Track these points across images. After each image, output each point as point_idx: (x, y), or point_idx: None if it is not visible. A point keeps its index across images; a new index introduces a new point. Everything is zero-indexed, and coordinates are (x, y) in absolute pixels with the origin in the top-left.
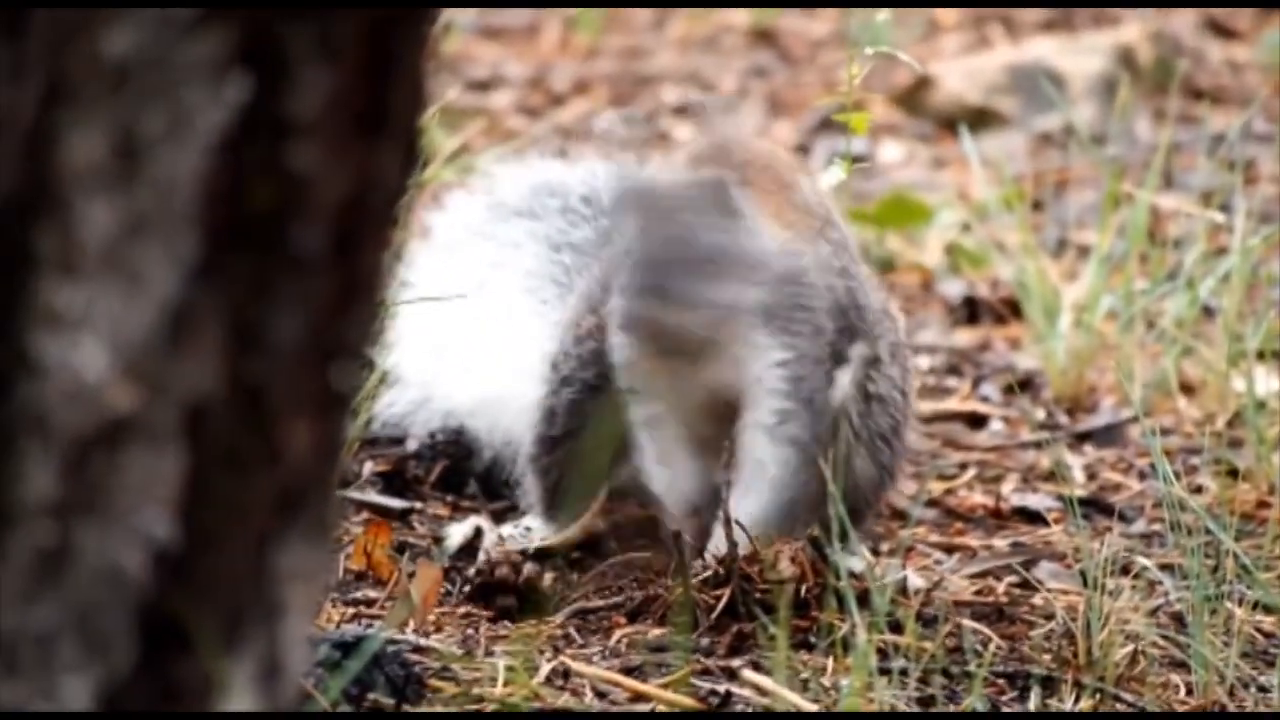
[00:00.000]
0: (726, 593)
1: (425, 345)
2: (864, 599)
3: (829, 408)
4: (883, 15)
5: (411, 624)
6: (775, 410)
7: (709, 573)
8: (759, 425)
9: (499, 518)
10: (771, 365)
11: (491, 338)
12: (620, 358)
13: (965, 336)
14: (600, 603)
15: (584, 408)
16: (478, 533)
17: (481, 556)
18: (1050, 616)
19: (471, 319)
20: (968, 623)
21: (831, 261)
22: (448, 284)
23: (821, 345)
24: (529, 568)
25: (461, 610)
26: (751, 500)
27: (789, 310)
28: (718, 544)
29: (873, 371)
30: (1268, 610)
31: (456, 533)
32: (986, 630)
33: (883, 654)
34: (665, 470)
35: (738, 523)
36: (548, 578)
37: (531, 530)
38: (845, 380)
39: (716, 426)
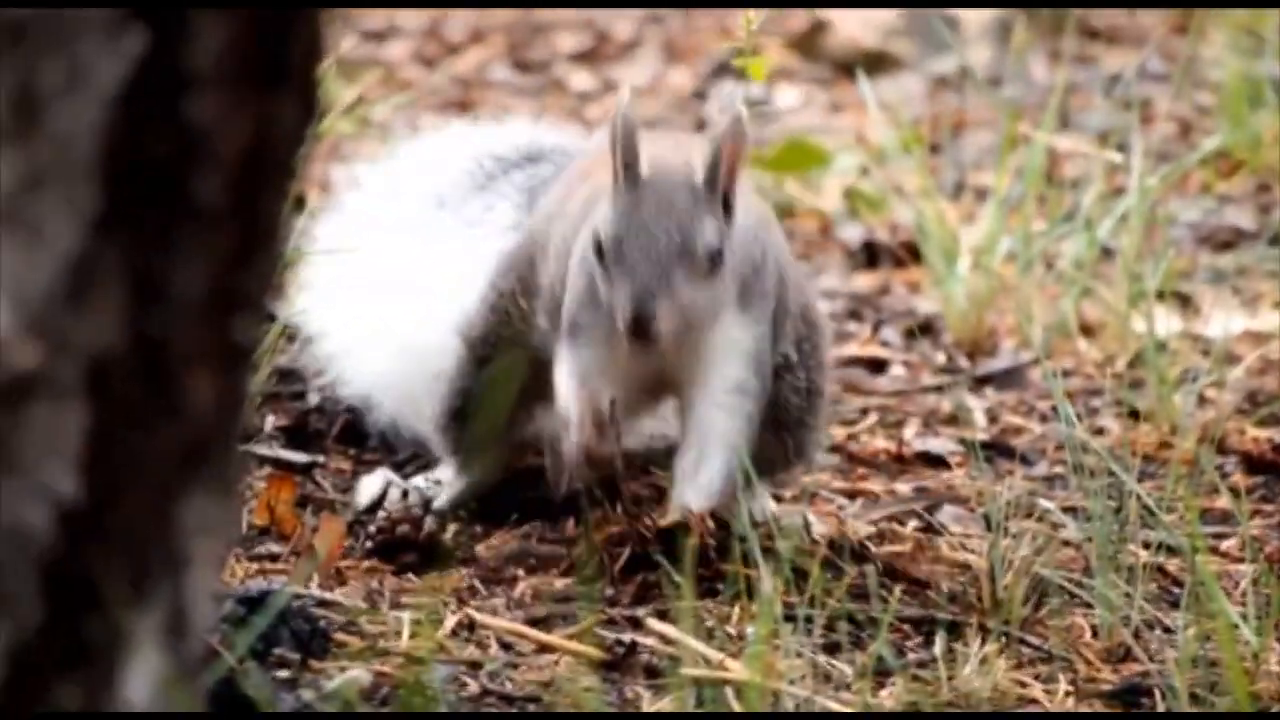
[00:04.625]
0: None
1: (333, 301)
2: (768, 547)
3: (770, 379)
4: None
5: (316, 579)
6: (732, 387)
7: (612, 530)
8: (714, 399)
9: (402, 470)
10: (733, 345)
11: (404, 292)
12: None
13: (865, 281)
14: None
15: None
16: (387, 487)
17: (382, 514)
18: (955, 560)
19: (385, 272)
20: (872, 568)
21: (767, 237)
22: (360, 239)
23: (769, 321)
24: (429, 522)
25: (366, 565)
26: (706, 470)
27: (751, 293)
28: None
29: (801, 339)
30: (1171, 551)
31: (366, 487)
32: (891, 576)
33: (788, 602)
34: (579, 384)
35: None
36: (450, 530)
37: (442, 483)
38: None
39: (648, 398)
